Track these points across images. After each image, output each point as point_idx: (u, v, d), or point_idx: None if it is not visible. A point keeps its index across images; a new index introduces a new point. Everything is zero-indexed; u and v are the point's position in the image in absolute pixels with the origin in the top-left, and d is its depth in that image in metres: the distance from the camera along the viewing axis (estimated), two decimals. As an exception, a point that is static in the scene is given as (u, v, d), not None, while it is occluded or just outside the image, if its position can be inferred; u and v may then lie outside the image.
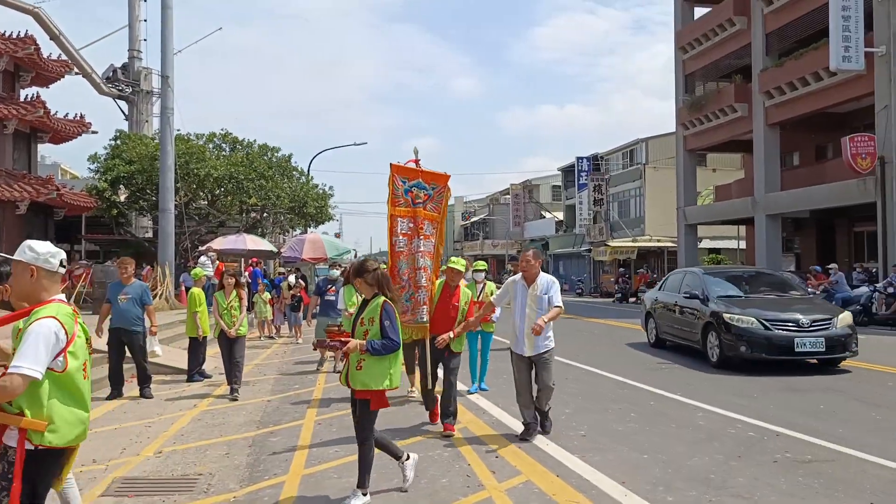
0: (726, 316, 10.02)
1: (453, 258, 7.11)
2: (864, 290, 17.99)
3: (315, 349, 5.33)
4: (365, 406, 4.61)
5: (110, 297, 8.64)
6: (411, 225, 6.89)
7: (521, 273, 6.34)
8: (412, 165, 7.07)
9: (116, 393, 8.60)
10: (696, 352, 11.10)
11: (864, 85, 22.00)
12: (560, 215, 53.81)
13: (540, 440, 6.19)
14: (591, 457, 5.63)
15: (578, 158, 44.19)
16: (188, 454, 5.97)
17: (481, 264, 9.09)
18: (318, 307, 10.99)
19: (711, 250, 38.32)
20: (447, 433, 6.41)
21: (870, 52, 21.19)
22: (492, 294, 8.07)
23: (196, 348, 9.86)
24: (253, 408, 8.04)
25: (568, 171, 51.59)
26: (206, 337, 9.80)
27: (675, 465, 5.37)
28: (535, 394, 6.25)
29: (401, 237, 6.89)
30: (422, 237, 6.88)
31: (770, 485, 4.86)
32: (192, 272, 10.90)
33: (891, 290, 16.65)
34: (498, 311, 8.11)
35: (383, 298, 4.68)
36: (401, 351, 4.72)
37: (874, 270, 21.46)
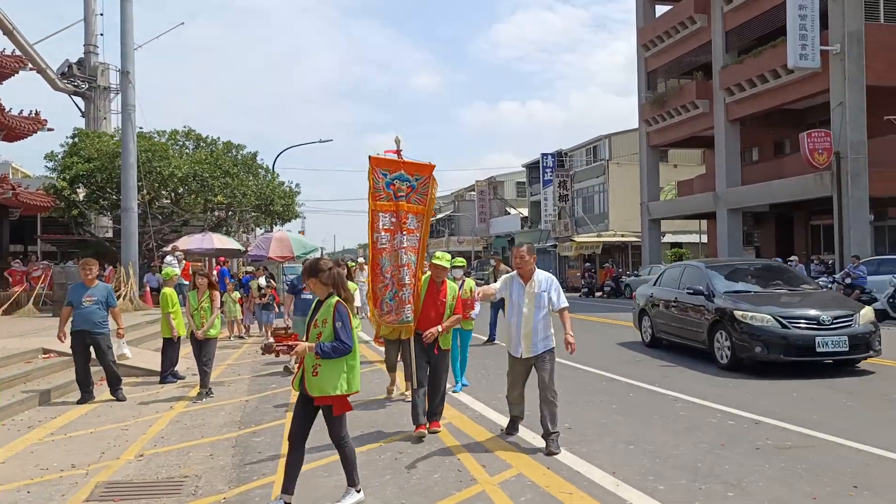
0: (738, 313, 9.12)
1: (438, 253, 6.76)
2: (822, 281, 18.50)
3: (263, 353, 5.11)
4: (328, 412, 4.47)
5: (72, 300, 8.25)
6: (394, 220, 6.59)
7: (516, 270, 5.97)
8: (392, 156, 6.75)
9: (87, 396, 8.30)
10: (699, 352, 10.28)
11: (819, 82, 22.64)
12: (525, 211, 54.19)
13: (526, 433, 6.22)
14: (578, 449, 5.69)
15: (543, 154, 44.52)
16: (171, 456, 5.85)
17: (460, 261, 8.82)
18: (293, 305, 10.48)
19: (673, 244, 39.08)
20: (433, 430, 6.29)
21: (825, 50, 21.83)
22: (471, 291, 7.81)
23: (168, 349, 9.66)
24: (231, 408, 7.92)
25: (532, 168, 51.96)
26: (180, 338, 9.60)
27: (661, 455, 5.46)
28: (544, 416, 5.69)
29: (383, 233, 6.61)
30: (405, 232, 6.58)
31: (756, 471, 4.97)
32: (163, 272, 10.61)
33: (848, 280, 17.16)
34: (477, 307, 8.04)
35: (336, 299, 4.50)
36: (357, 353, 4.52)
37: (830, 262, 22.14)
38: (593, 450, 5.66)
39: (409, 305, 6.50)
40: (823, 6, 21.91)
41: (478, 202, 58.79)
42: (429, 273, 6.73)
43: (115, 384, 8.46)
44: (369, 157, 6.60)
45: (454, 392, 8.23)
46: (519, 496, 4.63)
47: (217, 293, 9.12)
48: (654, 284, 12.39)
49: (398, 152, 6.76)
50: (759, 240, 30.86)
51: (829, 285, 17.62)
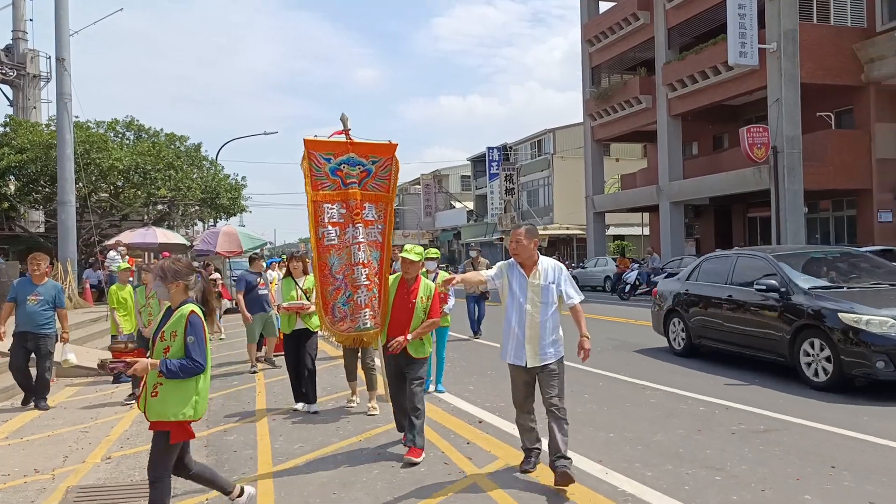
0: (848, 317, 6.97)
1: (407, 246, 5.63)
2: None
3: (100, 371, 4.25)
4: (161, 439, 3.83)
5: (16, 297, 7.61)
6: (343, 211, 5.69)
7: (513, 258, 4.82)
8: (339, 138, 5.78)
9: (40, 399, 7.73)
10: (764, 365, 8.42)
11: (757, 79, 23.47)
12: (470, 205, 54.45)
13: (506, 425, 6.21)
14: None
15: (489, 148, 44.80)
16: (140, 458, 5.58)
17: (433, 252, 7.72)
18: (248, 304, 9.93)
19: (616, 237, 39.97)
20: (408, 459, 5.15)
21: (763, 48, 22.63)
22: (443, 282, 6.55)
23: (120, 348, 9.23)
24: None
25: (478, 161, 52.24)
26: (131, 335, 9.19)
27: (643, 442, 5.54)
28: (554, 436, 4.64)
29: (329, 227, 5.66)
30: (360, 224, 5.69)
31: (737, 455, 5.11)
32: (118, 266, 10.06)
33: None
34: (452, 301, 7.66)
35: (191, 308, 3.80)
36: (208, 373, 3.89)
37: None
38: (576, 439, 5.63)
39: (366, 310, 5.63)
40: (761, 5, 22.68)
41: (423, 196, 58.72)
42: (399, 273, 5.78)
43: (41, 392, 7.75)
44: (304, 140, 5.65)
45: (436, 392, 7.71)
46: (511, 486, 4.62)
47: None
48: (688, 279, 10.16)
49: (346, 132, 5.76)
50: (699, 232, 31.83)
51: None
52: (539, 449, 4.95)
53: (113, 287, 9.41)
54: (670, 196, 28.07)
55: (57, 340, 7.92)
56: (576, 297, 4.75)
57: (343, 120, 5.78)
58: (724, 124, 28.81)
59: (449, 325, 7.89)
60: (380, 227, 5.89)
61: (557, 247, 40.32)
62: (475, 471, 4.97)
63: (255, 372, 9.72)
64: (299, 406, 7.11)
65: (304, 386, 7.14)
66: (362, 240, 5.71)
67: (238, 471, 5.21)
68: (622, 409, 6.78)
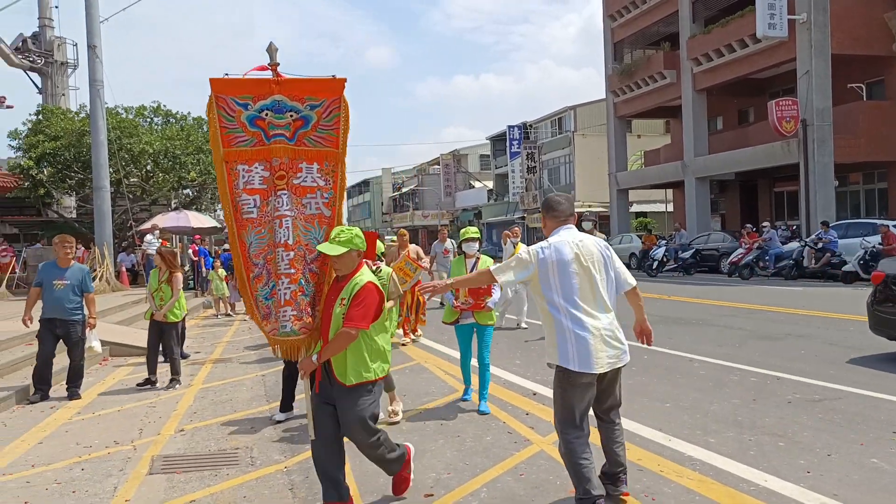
0: None
1: (340, 228, 3.94)
2: (794, 245, 19.16)
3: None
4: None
5: (43, 281, 7.19)
6: (265, 174, 4.03)
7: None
8: (262, 75, 4.03)
9: (41, 395, 7.09)
10: (811, 339, 7.70)
11: (786, 51, 23.17)
12: (490, 184, 54.39)
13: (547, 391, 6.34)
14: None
15: (509, 127, 44.63)
16: (212, 430, 5.81)
17: (473, 231, 6.46)
18: None
19: (639, 214, 39.80)
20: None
21: (792, 19, 22.31)
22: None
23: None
24: (251, 383, 7.88)
25: (497, 140, 52.09)
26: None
27: (700, 411, 5.66)
28: (609, 446, 3.92)
29: (245, 195, 4.02)
30: (284, 191, 3.99)
31: (796, 423, 5.21)
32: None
33: (820, 245, 17.78)
34: (497, 293, 6.12)
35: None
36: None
37: (795, 227, 22.93)
38: (633, 408, 5.76)
39: (287, 308, 3.94)
40: (790, -24, 22.34)
41: (443, 176, 58.73)
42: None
43: (76, 381, 7.38)
44: (210, 81, 3.99)
45: (464, 400, 6.38)
46: (579, 453, 4.75)
47: (179, 275, 8.22)
48: None
49: (273, 68, 4.01)
50: (725, 207, 31.63)
51: (802, 249, 18.26)
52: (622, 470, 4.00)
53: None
54: (695, 171, 27.90)
55: (84, 326, 7.43)
56: (628, 281, 4.05)
57: (270, 50, 4.01)
58: (750, 98, 28.51)
59: (493, 323, 6.35)
60: (326, 195, 4.11)
61: (580, 225, 40.22)
62: (540, 439, 5.12)
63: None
64: (281, 417, 6.06)
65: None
66: (287, 212, 3.99)
67: (309, 441, 5.39)
68: (672, 379, 6.89)
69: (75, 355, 7.34)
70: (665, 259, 22.48)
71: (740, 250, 19.88)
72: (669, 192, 35.35)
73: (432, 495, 4.16)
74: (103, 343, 9.16)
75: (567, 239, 3.79)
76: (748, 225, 21.53)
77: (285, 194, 4.02)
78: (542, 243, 3.82)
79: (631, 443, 4.90)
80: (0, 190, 21.79)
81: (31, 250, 18.90)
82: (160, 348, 8.16)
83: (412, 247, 9.84)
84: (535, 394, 6.56)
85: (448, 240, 14.58)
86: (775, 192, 28.74)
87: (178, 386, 7.81)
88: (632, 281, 4.00)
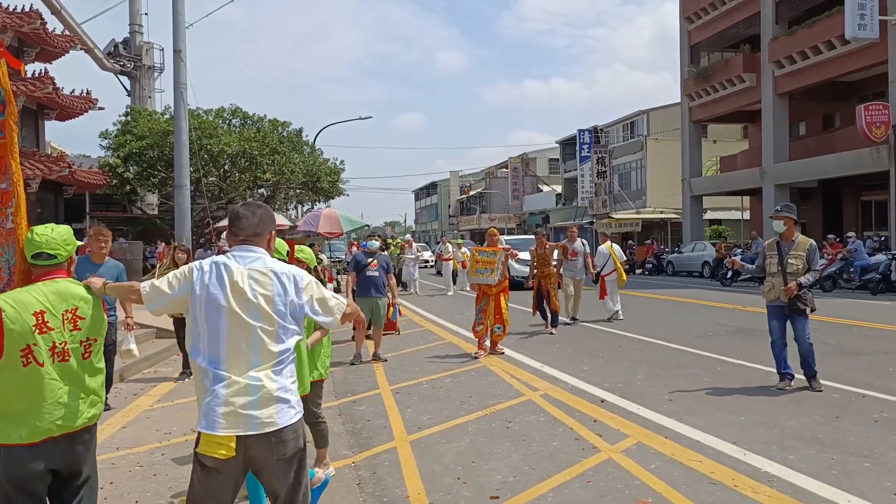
0: None
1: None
2: (881, 257, 18.18)
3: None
4: None
5: (77, 278, 6.92)
6: None
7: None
8: None
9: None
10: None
11: (877, 53, 22.03)
12: (558, 188, 53.83)
13: (629, 405, 6.24)
14: (689, 419, 5.69)
15: (580, 130, 44.06)
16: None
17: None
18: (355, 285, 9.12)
19: (713, 221, 38.60)
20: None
21: (884, 19, 21.19)
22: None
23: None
24: (320, 379, 8.04)
25: (566, 144, 51.52)
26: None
27: (777, 426, 5.44)
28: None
29: None
30: None
31: (884, 442, 4.94)
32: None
33: (911, 256, 16.82)
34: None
35: None
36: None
37: (883, 238, 21.74)
38: (706, 420, 5.64)
39: None
40: (882, -26, 21.23)
41: (511, 179, 58.50)
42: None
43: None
44: None
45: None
46: (648, 463, 4.65)
47: None
48: None
49: None
50: (806, 216, 30.27)
51: (889, 262, 17.31)
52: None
53: None
54: (775, 178, 26.86)
55: (117, 328, 6.88)
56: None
57: None
58: (836, 102, 27.24)
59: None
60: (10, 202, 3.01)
61: (652, 231, 39.35)
62: (608, 447, 5.03)
63: (354, 364, 8.89)
64: None
65: None
66: None
67: (376, 438, 5.48)
68: (747, 393, 6.64)
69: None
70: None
71: (822, 261, 18.98)
72: (746, 199, 34.14)
73: (498, 497, 4.14)
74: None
75: None
76: (831, 235, 20.56)
77: None
78: None
79: (704, 455, 4.78)
80: (91, 187, 23.00)
81: (116, 245, 19.89)
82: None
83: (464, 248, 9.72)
84: (603, 401, 6.45)
85: (578, 239, 12.38)
86: (862, 201, 27.35)
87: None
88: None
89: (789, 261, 6.66)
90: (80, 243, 3.21)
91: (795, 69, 25.27)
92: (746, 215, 34.61)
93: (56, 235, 2.93)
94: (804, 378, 6.72)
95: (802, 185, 27.28)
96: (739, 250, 22.97)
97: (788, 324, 6.74)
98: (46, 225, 3.02)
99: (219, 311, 2.57)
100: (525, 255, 12.94)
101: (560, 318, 11.42)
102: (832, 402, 6.20)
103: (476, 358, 8.82)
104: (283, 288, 2.66)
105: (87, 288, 3.01)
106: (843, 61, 23.39)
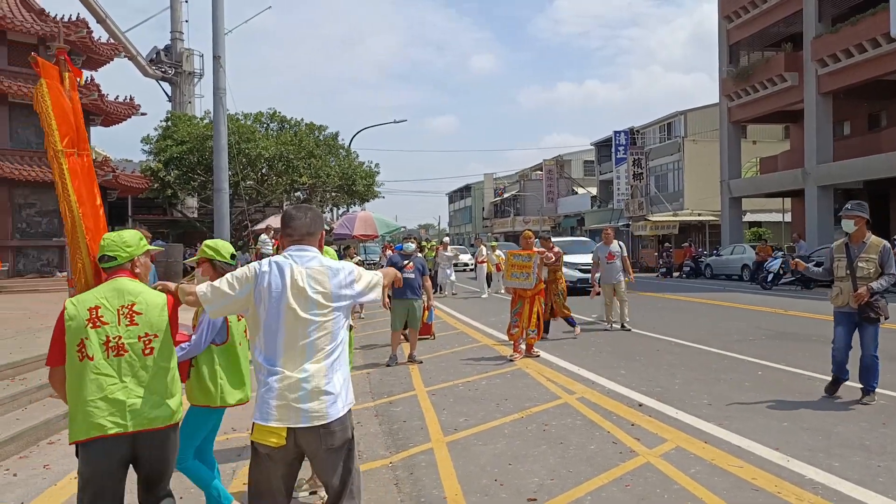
0: None
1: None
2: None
3: None
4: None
5: None
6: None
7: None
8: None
9: None
10: None
11: (924, 51, 21.40)
12: (594, 190, 53.40)
13: (667, 409, 6.16)
14: (729, 424, 5.59)
15: (616, 132, 43.65)
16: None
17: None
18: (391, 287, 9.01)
19: (752, 224, 37.85)
20: None
21: (932, 16, 20.58)
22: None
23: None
24: (356, 380, 8.10)
25: (602, 146, 51.10)
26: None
27: (822, 433, 5.32)
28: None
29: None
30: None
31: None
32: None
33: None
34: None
35: None
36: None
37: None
38: (747, 426, 5.54)
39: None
40: (930, -31, 20.62)
41: (545, 182, 58.25)
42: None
43: None
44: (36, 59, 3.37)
45: None
46: (688, 468, 4.59)
47: None
48: None
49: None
50: (850, 218, 29.52)
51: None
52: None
53: None
54: (818, 180, 26.24)
55: None
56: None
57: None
58: (882, 101, 26.53)
59: None
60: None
61: (689, 233, 38.75)
62: (646, 451, 4.98)
63: (390, 365, 8.92)
64: None
65: None
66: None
67: (413, 439, 5.50)
68: (790, 398, 6.50)
69: None
70: (782, 271, 21.22)
71: None
72: (787, 201, 33.42)
73: (535, 500, 4.13)
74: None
75: None
76: None
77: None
78: None
79: (745, 461, 4.70)
80: (133, 191, 23.62)
81: (156, 246, 20.37)
82: None
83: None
84: (640, 405, 6.38)
85: (615, 241, 11.92)
86: (909, 203, 26.56)
87: None
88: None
89: (859, 264, 6.20)
90: (153, 248, 3.39)
91: (839, 67, 24.66)
92: (787, 217, 33.88)
93: (116, 238, 3.10)
94: (856, 384, 6.53)
95: (847, 186, 26.59)
96: (781, 253, 22.46)
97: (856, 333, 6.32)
98: (116, 231, 3.24)
99: (279, 309, 2.74)
100: (583, 259, 12.89)
101: (605, 324, 11.88)
102: (879, 408, 6.03)
103: (511, 360, 8.81)
104: (338, 284, 2.84)
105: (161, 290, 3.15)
106: (889, 60, 22.76)
